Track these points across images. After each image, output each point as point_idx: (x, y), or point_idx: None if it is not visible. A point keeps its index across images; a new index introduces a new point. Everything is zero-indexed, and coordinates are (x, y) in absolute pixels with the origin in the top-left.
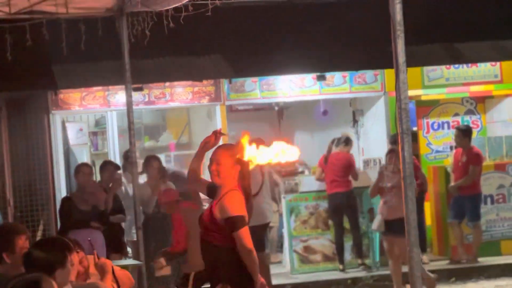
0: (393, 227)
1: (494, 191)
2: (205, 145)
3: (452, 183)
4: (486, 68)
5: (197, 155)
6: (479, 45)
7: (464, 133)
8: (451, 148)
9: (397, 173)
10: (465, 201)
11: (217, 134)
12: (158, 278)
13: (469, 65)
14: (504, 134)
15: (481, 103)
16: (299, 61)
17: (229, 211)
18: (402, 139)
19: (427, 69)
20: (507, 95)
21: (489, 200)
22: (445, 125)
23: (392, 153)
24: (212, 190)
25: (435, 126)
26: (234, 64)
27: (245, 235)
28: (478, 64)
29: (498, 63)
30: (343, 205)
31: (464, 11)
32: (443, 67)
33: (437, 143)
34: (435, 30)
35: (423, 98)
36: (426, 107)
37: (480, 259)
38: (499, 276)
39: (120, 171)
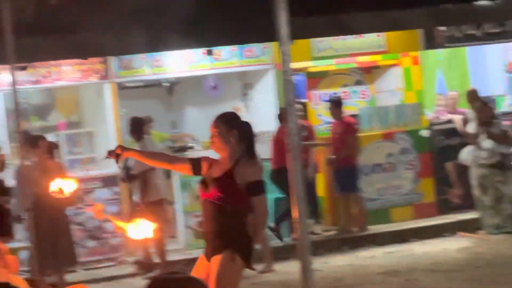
0: None
1: (383, 159)
2: None
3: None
4: (371, 39)
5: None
6: (365, 16)
7: (336, 104)
8: None
9: None
10: (343, 173)
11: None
12: None
13: (356, 36)
14: (391, 103)
15: (368, 73)
16: (186, 36)
17: (254, 176)
18: (288, 111)
19: (315, 41)
20: (392, 65)
21: (378, 169)
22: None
23: None
24: (196, 165)
25: (325, 97)
26: (120, 41)
27: (265, 199)
28: (364, 35)
29: (383, 34)
30: None
31: None
32: (331, 38)
33: (327, 114)
34: (321, 2)
35: (312, 69)
36: (315, 79)
37: (371, 227)
38: (389, 243)
39: (4, 152)
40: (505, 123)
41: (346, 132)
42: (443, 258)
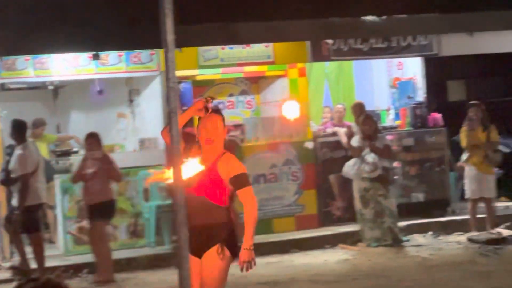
0: (95, 211)
1: (266, 170)
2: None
3: None
4: (259, 49)
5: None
6: (253, 26)
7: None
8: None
9: (98, 160)
10: None
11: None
12: None
13: (244, 46)
14: (276, 114)
15: (255, 83)
16: (71, 39)
17: (238, 169)
18: (170, 119)
19: (202, 49)
20: (279, 76)
21: (262, 179)
22: (220, 105)
23: (91, 138)
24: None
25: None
26: (3, 41)
27: (252, 191)
28: (252, 45)
29: (271, 44)
30: None
31: None
32: (218, 47)
33: None
34: (210, 10)
35: (199, 78)
36: (201, 87)
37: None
38: (270, 254)
39: None
40: (389, 137)
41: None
42: (323, 270)
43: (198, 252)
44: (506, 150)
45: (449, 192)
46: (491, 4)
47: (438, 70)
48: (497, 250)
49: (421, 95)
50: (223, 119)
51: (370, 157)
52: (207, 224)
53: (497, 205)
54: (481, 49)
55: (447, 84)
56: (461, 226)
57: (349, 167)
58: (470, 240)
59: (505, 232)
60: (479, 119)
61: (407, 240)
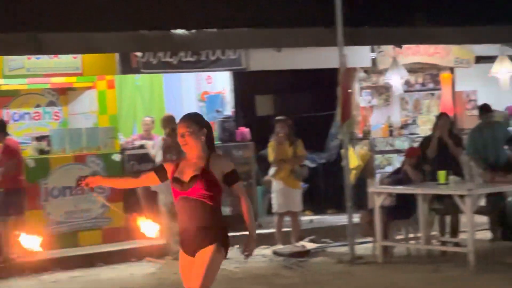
0: None
1: (73, 182)
2: None
3: None
4: (67, 60)
5: None
6: (62, 37)
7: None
8: (34, 139)
9: None
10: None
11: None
12: None
13: (51, 56)
14: (84, 126)
15: (63, 94)
16: None
17: (229, 166)
18: None
19: (7, 58)
20: (88, 88)
21: (68, 191)
22: (26, 116)
23: None
24: (160, 171)
25: (16, 117)
26: None
27: (242, 185)
28: (60, 55)
29: (79, 56)
30: None
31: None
32: (25, 57)
33: (18, 134)
34: (16, 19)
35: (4, 88)
36: (6, 97)
37: (57, 251)
38: (75, 268)
39: None
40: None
41: (5, 155)
42: (129, 283)
43: (193, 252)
44: (312, 165)
45: (256, 206)
46: (299, 21)
47: (247, 85)
48: (300, 263)
49: (229, 109)
50: (201, 122)
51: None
52: (203, 227)
53: (302, 219)
54: (289, 64)
55: (255, 98)
56: (267, 240)
57: None
58: (275, 253)
59: (309, 245)
60: (286, 134)
61: None
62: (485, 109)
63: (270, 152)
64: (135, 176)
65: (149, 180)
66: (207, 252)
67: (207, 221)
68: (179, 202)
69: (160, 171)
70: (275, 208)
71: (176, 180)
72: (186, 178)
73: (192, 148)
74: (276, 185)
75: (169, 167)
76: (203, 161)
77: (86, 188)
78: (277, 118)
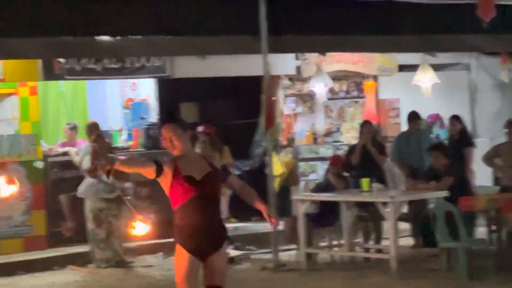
0: None
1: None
2: None
3: None
4: None
5: None
6: None
7: None
8: None
9: None
10: None
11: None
12: None
13: None
14: (6, 133)
15: None
16: None
17: (218, 161)
18: None
19: None
20: (10, 94)
21: None
22: None
23: None
24: (159, 168)
25: None
26: None
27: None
28: None
29: (1, 62)
30: None
31: None
32: None
33: None
34: None
35: None
36: None
37: None
38: None
39: None
40: (121, 157)
41: None
42: None
43: (204, 252)
44: (237, 172)
45: None
46: (223, 29)
47: (171, 92)
48: None
49: (154, 116)
50: (185, 126)
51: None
52: (219, 223)
53: (228, 226)
54: (214, 72)
55: (180, 106)
56: None
57: (86, 187)
58: None
59: (234, 253)
60: (210, 142)
61: (132, 262)
62: (413, 117)
63: None
64: (141, 163)
65: (148, 172)
66: (224, 248)
67: (220, 217)
68: (194, 201)
69: (159, 168)
70: None
71: (190, 178)
72: (196, 176)
73: (182, 151)
74: None
75: (170, 165)
76: (203, 159)
77: (106, 174)
78: (199, 128)
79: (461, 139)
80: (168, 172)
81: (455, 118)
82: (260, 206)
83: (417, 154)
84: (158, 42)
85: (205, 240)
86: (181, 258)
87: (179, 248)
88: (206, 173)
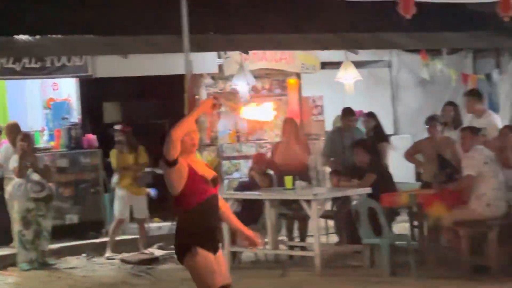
0: None
1: None
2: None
3: None
4: None
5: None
6: None
7: None
8: None
9: None
10: None
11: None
12: None
13: None
14: None
15: None
16: None
17: None
18: None
19: None
20: None
21: None
22: None
23: None
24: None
25: None
26: None
27: None
28: None
29: None
30: None
31: None
32: None
33: None
34: None
35: None
36: None
37: None
38: None
39: None
40: (46, 158)
41: None
42: None
43: (215, 250)
44: (160, 171)
45: (104, 214)
46: (145, 28)
47: (94, 92)
48: (149, 270)
49: (76, 116)
50: None
51: (36, 176)
52: (219, 224)
53: (151, 226)
54: (136, 71)
55: (103, 105)
56: (115, 247)
57: (13, 188)
58: (123, 261)
59: (158, 252)
60: (126, 141)
61: (54, 264)
62: (346, 113)
63: (112, 160)
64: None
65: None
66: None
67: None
68: (208, 201)
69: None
70: (116, 214)
71: (205, 178)
72: (208, 176)
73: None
74: (119, 193)
75: (184, 162)
76: (200, 161)
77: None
78: (114, 127)
79: (375, 136)
80: (183, 167)
81: (369, 115)
82: (238, 224)
83: (350, 150)
84: (79, 41)
85: (215, 238)
86: (203, 259)
87: (199, 251)
88: (215, 175)
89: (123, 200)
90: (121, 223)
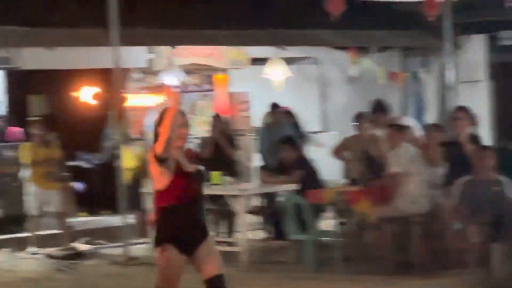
0: None
1: None
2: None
3: None
4: None
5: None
6: None
7: None
8: None
9: None
10: None
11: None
12: None
13: None
14: None
15: None
16: None
17: None
18: None
19: None
20: None
21: None
22: None
23: None
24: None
25: None
26: None
27: None
28: None
29: None
30: None
31: None
32: None
33: None
34: None
35: None
36: None
37: None
38: None
39: None
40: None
41: None
42: None
43: (192, 250)
44: (87, 165)
45: (26, 208)
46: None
47: (20, 84)
48: (73, 265)
49: (1, 109)
50: None
51: None
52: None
53: (77, 220)
54: (63, 64)
55: (29, 98)
56: (40, 242)
57: None
58: (47, 255)
59: (83, 247)
60: (40, 135)
61: None
62: (274, 108)
63: (22, 154)
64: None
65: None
66: (210, 242)
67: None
68: (190, 200)
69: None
70: (31, 210)
71: (190, 175)
72: (192, 171)
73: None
74: (31, 187)
75: (173, 158)
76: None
77: None
78: (30, 119)
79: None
80: (172, 163)
81: (287, 113)
82: None
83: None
84: (4, 33)
85: (195, 239)
86: (166, 260)
87: (168, 251)
88: (198, 169)
89: (35, 196)
90: (38, 219)
